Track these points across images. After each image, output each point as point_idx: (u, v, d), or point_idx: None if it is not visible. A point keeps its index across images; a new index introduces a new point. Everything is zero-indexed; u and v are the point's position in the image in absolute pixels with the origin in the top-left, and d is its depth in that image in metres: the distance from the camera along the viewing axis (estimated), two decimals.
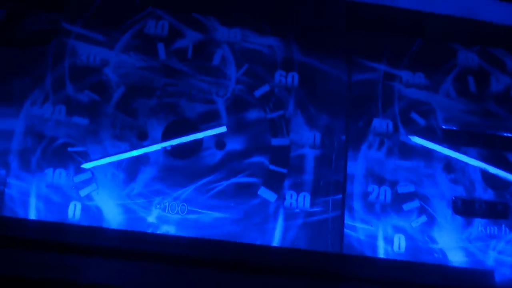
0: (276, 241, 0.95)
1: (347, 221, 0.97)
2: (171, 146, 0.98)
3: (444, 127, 1.03)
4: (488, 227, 0.98)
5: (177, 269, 0.81)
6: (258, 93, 1.02)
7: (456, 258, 0.96)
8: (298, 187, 0.98)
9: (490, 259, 0.97)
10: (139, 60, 1.02)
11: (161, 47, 1.03)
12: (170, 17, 1.05)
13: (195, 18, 1.05)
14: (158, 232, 0.93)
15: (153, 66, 1.02)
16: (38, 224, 0.88)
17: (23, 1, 1.05)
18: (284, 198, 0.97)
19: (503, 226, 0.99)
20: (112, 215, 0.94)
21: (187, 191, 0.96)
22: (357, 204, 0.98)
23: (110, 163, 0.96)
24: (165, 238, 0.91)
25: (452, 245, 0.97)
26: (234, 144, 0.99)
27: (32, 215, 0.93)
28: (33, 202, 0.94)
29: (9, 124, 0.97)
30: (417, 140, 1.00)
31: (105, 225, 0.93)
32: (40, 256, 0.79)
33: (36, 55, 1.01)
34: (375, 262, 0.94)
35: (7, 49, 1.02)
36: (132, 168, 0.96)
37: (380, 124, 1.02)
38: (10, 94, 0.99)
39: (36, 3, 1.05)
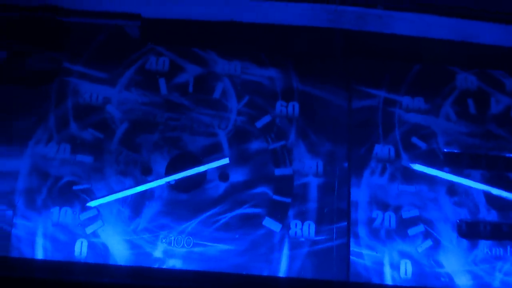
0: (282, 271, 0.95)
1: (353, 248, 0.96)
2: (175, 180, 0.98)
3: (445, 150, 1.03)
4: (493, 249, 0.98)
5: None
6: (259, 124, 1.02)
7: (463, 281, 0.96)
8: (302, 216, 0.98)
9: (496, 281, 0.96)
10: (141, 96, 1.03)
11: (162, 83, 1.04)
12: (170, 53, 1.06)
13: (195, 52, 1.06)
14: (164, 266, 0.93)
15: (155, 101, 1.03)
16: (45, 264, 0.89)
17: (25, 41, 1.06)
18: (289, 228, 0.97)
19: (509, 247, 0.98)
20: (119, 251, 0.94)
21: (192, 224, 0.96)
22: (362, 231, 0.98)
23: (115, 200, 0.97)
24: (172, 273, 0.91)
25: (458, 268, 0.97)
26: (238, 176, 0.99)
27: (39, 255, 0.93)
28: (40, 241, 0.94)
29: (14, 164, 0.98)
30: (419, 167, 1.00)
31: (111, 262, 0.93)
32: None
33: (39, 95, 1.02)
34: None
35: (10, 88, 1.03)
36: (137, 203, 0.97)
37: (381, 150, 1.02)
38: (14, 133, 1.00)
39: (38, 42, 1.06)
